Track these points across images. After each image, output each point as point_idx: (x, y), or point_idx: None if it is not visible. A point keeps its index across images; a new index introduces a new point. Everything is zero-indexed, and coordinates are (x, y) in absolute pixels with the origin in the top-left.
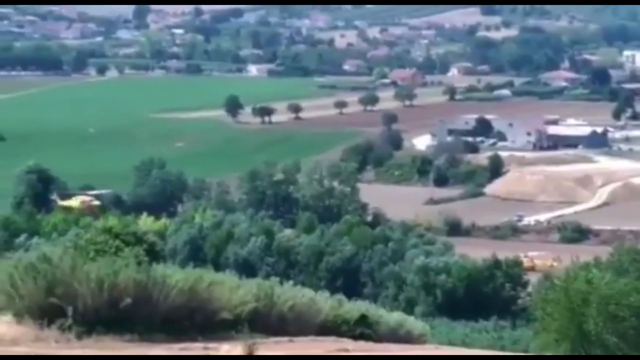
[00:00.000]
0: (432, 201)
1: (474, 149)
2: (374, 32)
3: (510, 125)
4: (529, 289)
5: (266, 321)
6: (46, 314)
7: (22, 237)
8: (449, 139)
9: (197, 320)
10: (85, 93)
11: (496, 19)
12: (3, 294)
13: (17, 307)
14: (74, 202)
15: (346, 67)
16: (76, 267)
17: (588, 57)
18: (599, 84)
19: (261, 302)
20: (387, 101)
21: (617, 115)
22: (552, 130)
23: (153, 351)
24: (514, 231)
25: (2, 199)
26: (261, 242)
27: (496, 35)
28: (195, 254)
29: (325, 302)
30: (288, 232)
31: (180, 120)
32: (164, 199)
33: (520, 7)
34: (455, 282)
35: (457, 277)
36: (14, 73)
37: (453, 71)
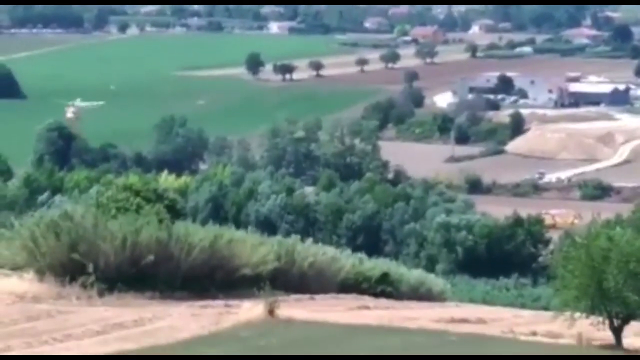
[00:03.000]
0: (453, 159)
1: (495, 106)
2: None
3: (532, 82)
4: (550, 246)
5: (287, 279)
6: (68, 271)
7: (44, 195)
8: (470, 96)
9: (218, 277)
10: (106, 51)
11: None
12: (25, 251)
13: (38, 265)
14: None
15: (367, 24)
16: (99, 225)
17: (610, 14)
18: (620, 41)
19: (282, 259)
20: (408, 59)
21: (639, 72)
22: (574, 87)
23: (174, 308)
24: (535, 189)
25: (24, 157)
26: (281, 200)
27: None
28: (216, 212)
29: (347, 260)
30: (309, 189)
31: (201, 77)
32: (185, 156)
33: None
34: (476, 240)
35: (478, 234)
36: (35, 31)
37: (474, 28)
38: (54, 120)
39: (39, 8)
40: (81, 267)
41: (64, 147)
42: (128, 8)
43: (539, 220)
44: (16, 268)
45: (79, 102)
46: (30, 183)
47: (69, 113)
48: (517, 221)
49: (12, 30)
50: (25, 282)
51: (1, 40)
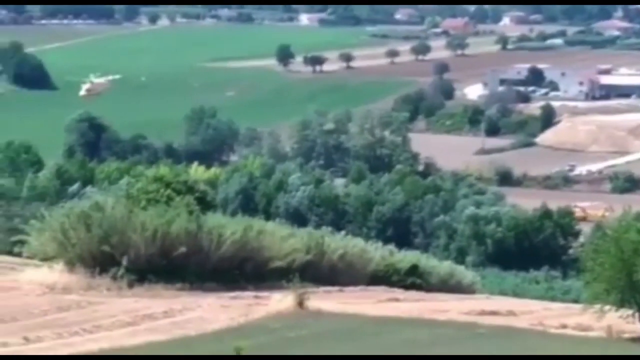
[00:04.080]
0: (484, 151)
1: (525, 98)
2: None
3: (563, 74)
4: (581, 239)
5: (317, 271)
6: (98, 262)
7: (75, 186)
8: (501, 88)
9: (247, 269)
10: (136, 42)
11: None
12: (55, 242)
13: (69, 256)
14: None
15: (398, 16)
16: (130, 216)
17: None
18: None
19: (312, 251)
20: (439, 50)
21: None
22: (605, 79)
23: (204, 300)
24: (566, 181)
25: (55, 148)
26: (311, 192)
27: None
28: (247, 204)
29: (376, 252)
30: (339, 181)
31: (231, 69)
32: (215, 148)
33: None
34: (505, 232)
35: (507, 226)
36: (65, 22)
37: (505, 20)
38: (84, 111)
39: None
40: (111, 259)
41: (94, 139)
42: None
43: (568, 213)
44: (46, 259)
45: (93, 78)
46: (61, 174)
47: (83, 91)
48: (546, 213)
49: (43, 22)
50: (55, 273)
51: (32, 31)
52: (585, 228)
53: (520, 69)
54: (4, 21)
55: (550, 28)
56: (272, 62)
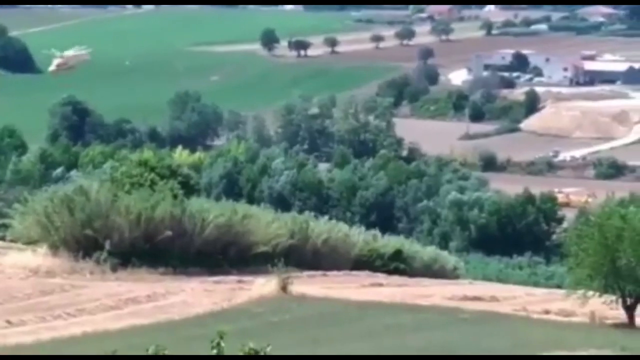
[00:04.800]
0: (468, 136)
1: (510, 84)
2: None
3: (547, 60)
4: (564, 224)
5: (301, 255)
6: (81, 246)
7: (59, 170)
8: (485, 74)
9: (231, 253)
10: (121, 25)
11: None
12: (39, 226)
13: (52, 239)
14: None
15: None
16: (114, 200)
17: None
18: (637, 19)
19: (296, 236)
20: (424, 36)
21: None
22: (589, 65)
23: (187, 284)
24: (550, 167)
25: (39, 132)
26: (294, 177)
27: None
28: (231, 188)
29: (360, 237)
30: (323, 166)
31: (215, 53)
32: (199, 132)
33: None
34: (487, 218)
35: (489, 212)
36: (50, 5)
37: (489, 6)
38: (68, 95)
39: None
40: (95, 242)
41: (78, 122)
42: None
43: (551, 198)
44: (30, 243)
45: (65, 52)
46: (45, 158)
47: (53, 66)
48: (529, 199)
49: (28, 5)
50: (38, 257)
51: (16, 14)
52: (569, 214)
53: (505, 54)
54: None
55: (535, 14)
56: (256, 47)
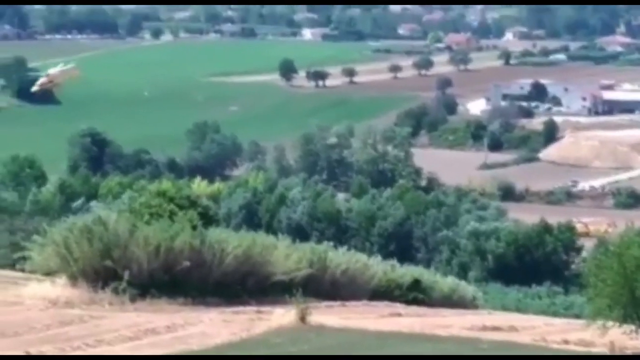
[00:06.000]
0: (486, 166)
1: (528, 113)
2: None
3: (566, 90)
4: (583, 254)
5: (319, 285)
6: (100, 276)
7: (79, 201)
8: (504, 103)
9: (250, 284)
10: (139, 57)
11: None
12: (58, 256)
13: (71, 270)
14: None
15: (401, 31)
16: (133, 231)
17: None
18: None
19: (314, 266)
20: (442, 65)
21: None
22: (608, 95)
23: (206, 315)
24: (569, 196)
25: (58, 163)
26: (312, 206)
27: None
28: (250, 218)
29: (378, 267)
30: (341, 196)
31: (234, 84)
32: (218, 162)
33: None
34: (504, 247)
35: (506, 242)
36: (69, 37)
37: (508, 35)
38: (87, 126)
39: (73, 13)
40: (114, 273)
41: (97, 153)
42: (162, 14)
43: (569, 228)
44: (49, 273)
45: (50, 70)
46: (64, 189)
47: (36, 86)
48: (546, 228)
49: (47, 36)
50: (58, 288)
51: (36, 46)
52: (588, 243)
53: (523, 84)
54: (8, 36)
55: (553, 43)
56: (275, 77)
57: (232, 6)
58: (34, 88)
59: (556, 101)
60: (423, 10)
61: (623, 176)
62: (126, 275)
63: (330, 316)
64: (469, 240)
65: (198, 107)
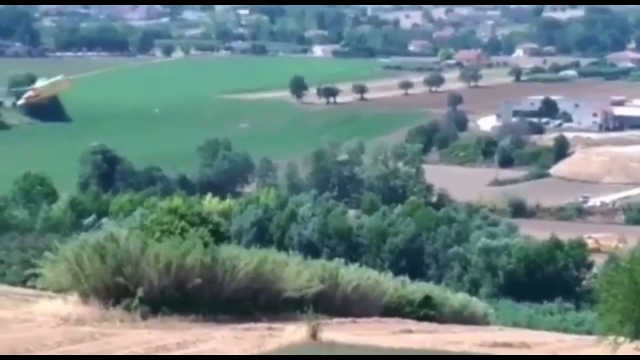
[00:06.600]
0: (497, 182)
1: (539, 129)
2: (439, 13)
3: (576, 106)
4: (594, 270)
5: (330, 302)
6: (112, 294)
7: (91, 218)
8: (514, 120)
9: (261, 300)
10: (150, 74)
11: None
12: (69, 273)
13: (83, 287)
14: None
15: (411, 47)
16: (145, 248)
17: None
18: None
19: (326, 283)
20: (452, 82)
21: None
22: (618, 111)
23: (217, 331)
24: (580, 212)
25: (69, 180)
26: (323, 223)
27: (562, 15)
28: (261, 235)
29: (389, 283)
30: (352, 212)
31: (245, 101)
32: (230, 179)
33: None
34: (515, 264)
35: (517, 258)
36: (80, 54)
37: (518, 52)
38: (98, 144)
39: (84, 31)
40: (125, 290)
41: (108, 170)
42: (173, 31)
43: (580, 244)
44: (60, 290)
45: (36, 84)
46: (75, 206)
47: (22, 100)
48: (556, 245)
49: (58, 54)
50: (69, 305)
51: (47, 63)
52: (599, 259)
53: (534, 100)
54: (19, 54)
55: (564, 59)
56: (286, 94)
57: (242, 23)
58: (20, 101)
59: (567, 117)
60: (433, 27)
61: (634, 192)
62: (139, 292)
63: (341, 333)
64: (480, 256)
65: (209, 125)
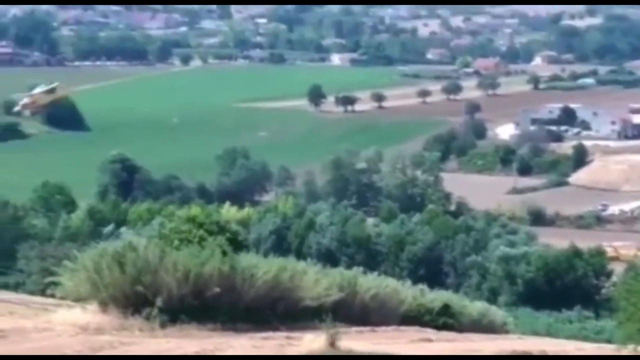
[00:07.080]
0: (516, 190)
1: (557, 138)
2: (457, 21)
3: (595, 114)
4: (613, 278)
5: (349, 310)
6: (131, 302)
7: (110, 227)
8: (533, 128)
9: (279, 309)
10: (169, 83)
11: (580, 7)
12: (89, 282)
13: (102, 296)
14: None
15: (429, 56)
16: (163, 257)
17: None
18: None
19: (344, 291)
20: (471, 90)
21: None
22: (637, 119)
23: (236, 340)
24: (598, 220)
25: (88, 189)
26: (342, 231)
27: (580, 23)
28: (280, 243)
29: (408, 292)
30: (370, 221)
31: (263, 109)
32: (248, 188)
33: None
34: (534, 272)
35: (536, 266)
36: (98, 63)
37: (537, 60)
38: (117, 153)
39: (103, 40)
40: (144, 299)
41: (127, 179)
42: (191, 40)
43: (599, 252)
44: (79, 299)
45: (33, 91)
46: (94, 215)
47: (18, 106)
48: (576, 253)
49: (76, 63)
50: (88, 314)
51: (65, 73)
52: (618, 268)
53: (552, 108)
54: (38, 63)
55: (582, 67)
56: (304, 102)
57: (261, 31)
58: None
59: (585, 125)
60: (451, 35)
61: None
62: (159, 301)
63: (360, 341)
64: (499, 264)
65: (227, 133)
